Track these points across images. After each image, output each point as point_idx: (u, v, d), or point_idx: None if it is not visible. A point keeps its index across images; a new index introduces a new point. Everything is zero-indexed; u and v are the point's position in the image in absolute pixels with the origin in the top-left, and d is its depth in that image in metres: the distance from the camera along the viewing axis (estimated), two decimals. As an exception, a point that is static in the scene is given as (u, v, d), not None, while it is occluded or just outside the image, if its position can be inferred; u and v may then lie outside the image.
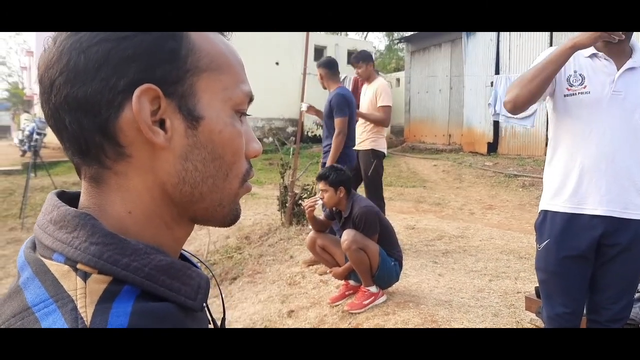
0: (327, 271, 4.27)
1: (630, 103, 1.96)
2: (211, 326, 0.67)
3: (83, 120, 0.53)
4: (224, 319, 0.74)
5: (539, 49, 11.49)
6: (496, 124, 12.91)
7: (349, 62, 5.45)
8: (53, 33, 0.56)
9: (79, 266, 0.50)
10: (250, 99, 0.61)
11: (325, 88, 4.80)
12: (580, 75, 2.02)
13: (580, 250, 2.02)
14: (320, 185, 3.74)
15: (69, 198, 0.59)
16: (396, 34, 24.44)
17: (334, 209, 3.86)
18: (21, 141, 11.87)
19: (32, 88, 34.64)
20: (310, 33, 6.13)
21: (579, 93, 2.00)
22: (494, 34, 13.56)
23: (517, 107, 2.01)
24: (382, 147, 4.89)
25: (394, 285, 3.80)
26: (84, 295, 0.48)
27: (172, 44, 0.55)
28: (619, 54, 2.00)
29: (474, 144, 13.81)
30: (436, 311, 3.39)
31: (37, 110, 27.97)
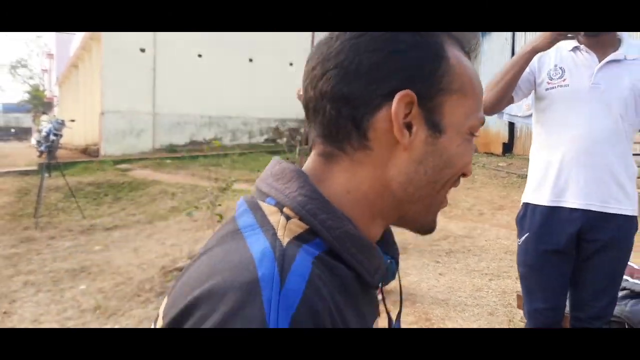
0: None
1: (610, 96, 1.94)
2: (382, 310, 0.73)
3: (342, 110, 0.62)
4: (399, 314, 0.77)
5: (553, 48, 11.34)
6: (511, 125, 12.79)
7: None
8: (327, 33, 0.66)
9: (285, 210, 0.60)
10: (481, 125, 0.68)
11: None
12: (560, 68, 2.01)
13: (559, 245, 2.01)
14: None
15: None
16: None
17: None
18: (38, 142, 12.10)
19: (52, 90, 35.19)
20: (316, 32, 6.15)
21: (558, 86, 1.99)
22: (509, 34, 13.43)
23: (488, 110, 2.04)
24: None
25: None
26: (284, 229, 0.58)
27: (433, 64, 0.62)
28: (603, 46, 1.98)
29: (489, 144, 13.69)
30: (431, 310, 3.39)
31: (57, 111, 28.47)
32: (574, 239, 2.00)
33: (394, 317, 0.74)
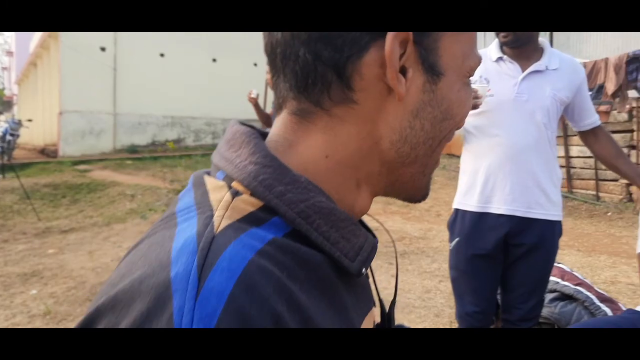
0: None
1: (533, 105, 2.03)
2: (375, 298, 0.61)
3: (322, 53, 0.48)
4: (393, 302, 0.65)
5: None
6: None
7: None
8: None
9: (233, 184, 0.48)
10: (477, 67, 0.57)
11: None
12: (485, 79, 2.08)
13: (487, 249, 2.10)
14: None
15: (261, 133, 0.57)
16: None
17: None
18: (-6, 142, 11.79)
19: (12, 89, 34.19)
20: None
21: (485, 96, 2.08)
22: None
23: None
24: None
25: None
26: (225, 209, 0.45)
27: None
28: (525, 57, 2.07)
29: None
30: (377, 312, 3.47)
31: (16, 111, 27.63)
32: (501, 244, 2.10)
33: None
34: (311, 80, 0.49)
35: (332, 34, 0.48)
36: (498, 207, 2.07)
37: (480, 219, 2.11)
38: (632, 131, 7.12)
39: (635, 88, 5.62)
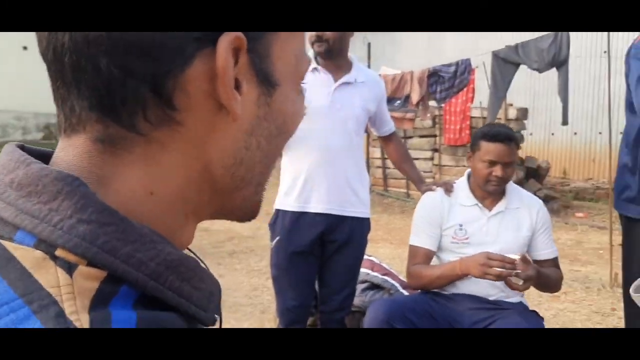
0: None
1: (345, 114, 2.23)
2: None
3: (134, 65, 0.38)
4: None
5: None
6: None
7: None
8: None
9: (58, 252, 0.35)
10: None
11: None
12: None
13: (305, 246, 2.25)
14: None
15: (39, 155, 0.42)
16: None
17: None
18: None
19: None
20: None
21: None
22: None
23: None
24: None
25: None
26: (73, 297, 0.34)
27: None
28: (337, 69, 2.26)
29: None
30: (205, 312, 3.47)
31: None
32: (317, 241, 2.26)
33: None
34: (119, 100, 0.38)
35: (145, 41, 0.37)
36: (315, 206, 2.23)
37: (299, 218, 2.24)
38: (435, 136, 8.08)
39: (435, 99, 6.37)
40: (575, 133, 8.59)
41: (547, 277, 2.16)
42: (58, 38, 0.39)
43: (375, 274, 2.83)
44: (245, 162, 0.44)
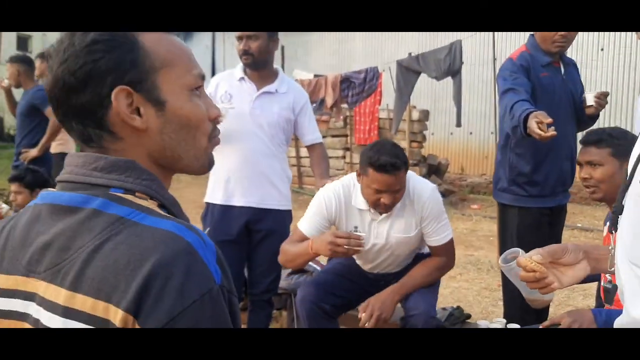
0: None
1: (264, 119, 2.55)
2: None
3: (85, 121, 0.75)
4: None
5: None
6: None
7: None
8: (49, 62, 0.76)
9: (137, 194, 0.73)
10: (202, 77, 0.82)
11: (19, 86, 4.58)
12: (229, 94, 2.56)
13: (232, 235, 2.54)
14: (14, 187, 3.61)
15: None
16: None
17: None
18: None
19: None
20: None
21: (227, 108, 2.50)
22: (209, 41, 14.30)
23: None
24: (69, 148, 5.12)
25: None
26: (149, 209, 0.71)
27: (131, 55, 0.74)
28: (261, 79, 2.58)
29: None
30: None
31: None
32: (244, 230, 2.56)
33: None
34: (87, 137, 0.76)
35: (85, 108, 0.73)
36: (239, 200, 2.55)
37: (226, 211, 2.56)
38: (346, 136, 8.60)
39: (347, 102, 6.86)
40: (471, 133, 9.40)
41: (412, 286, 2.29)
42: (56, 113, 0.78)
43: (297, 260, 3.17)
44: (167, 147, 0.78)
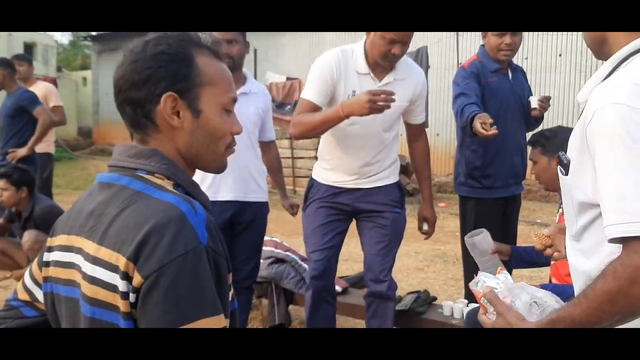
0: (8, 275, 4.21)
1: (242, 118, 2.60)
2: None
3: (136, 109, 0.96)
4: None
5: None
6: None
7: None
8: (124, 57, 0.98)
9: (156, 175, 0.95)
10: (234, 100, 1.04)
11: (1, 89, 4.67)
12: None
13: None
14: (1, 184, 3.71)
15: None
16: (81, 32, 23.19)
17: (13, 210, 3.88)
18: None
19: None
20: None
21: None
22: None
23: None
24: (52, 149, 5.25)
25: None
26: (166, 187, 0.93)
27: (186, 69, 0.96)
28: (236, 81, 2.63)
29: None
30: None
31: None
32: (227, 222, 2.74)
33: None
34: (136, 124, 0.98)
35: (139, 100, 0.95)
36: (224, 195, 2.72)
37: (212, 205, 2.73)
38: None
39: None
40: (438, 134, 9.73)
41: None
42: (115, 99, 1.00)
43: (279, 250, 3.38)
44: (193, 147, 0.99)
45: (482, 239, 2.32)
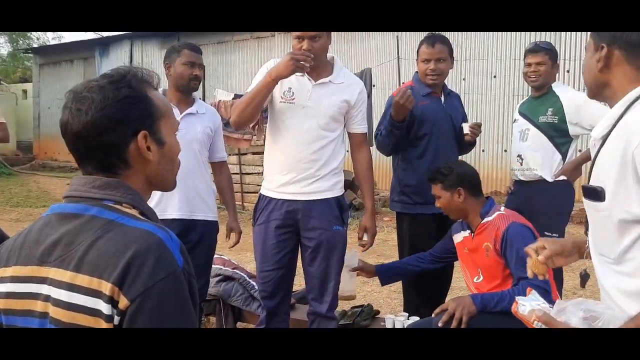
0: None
1: (190, 137, 2.79)
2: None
3: (109, 153, 1.04)
4: None
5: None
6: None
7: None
8: (77, 102, 1.03)
9: (124, 205, 1.03)
10: (178, 124, 1.17)
11: None
12: None
13: None
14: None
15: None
16: (22, 43, 22.45)
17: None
18: None
19: None
20: None
21: None
22: (127, 56, 14.22)
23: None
24: None
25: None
26: (137, 215, 1.02)
27: (148, 107, 1.06)
28: (184, 103, 2.90)
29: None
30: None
31: None
32: None
33: None
34: (107, 166, 1.05)
35: (113, 143, 1.03)
36: (172, 213, 2.80)
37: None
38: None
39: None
40: (382, 151, 10.10)
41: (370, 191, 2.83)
42: (77, 145, 1.06)
43: (227, 268, 3.49)
44: (160, 174, 1.11)
45: (350, 257, 2.49)
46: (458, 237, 2.69)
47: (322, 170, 2.59)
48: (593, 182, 1.30)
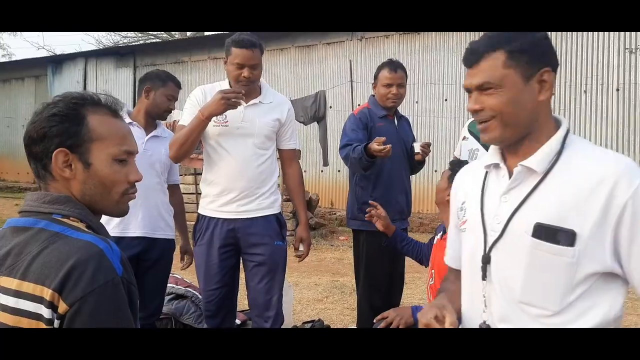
0: None
1: (154, 159, 2.87)
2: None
3: (37, 163, 1.13)
4: None
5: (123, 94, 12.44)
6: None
7: None
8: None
9: (71, 218, 1.10)
10: (130, 153, 1.19)
11: None
12: None
13: None
14: None
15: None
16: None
17: None
18: None
19: None
20: None
21: None
22: (81, 75, 14.00)
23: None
24: None
25: None
26: (81, 229, 1.07)
27: (76, 127, 1.11)
28: (149, 125, 2.95)
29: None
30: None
31: None
32: (134, 259, 2.80)
33: None
34: (38, 175, 1.15)
35: (38, 154, 1.12)
36: (134, 231, 2.82)
37: (119, 242, 2.73)
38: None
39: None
40: (339, 170, 10.18)
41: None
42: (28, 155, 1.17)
43: (179, 286, 3.50)
44: (87, 194, 1.15)
45: (286, 289, 2.37)
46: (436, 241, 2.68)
47: (261, 188, 2.69)
48: (552, 222, 1.14)
